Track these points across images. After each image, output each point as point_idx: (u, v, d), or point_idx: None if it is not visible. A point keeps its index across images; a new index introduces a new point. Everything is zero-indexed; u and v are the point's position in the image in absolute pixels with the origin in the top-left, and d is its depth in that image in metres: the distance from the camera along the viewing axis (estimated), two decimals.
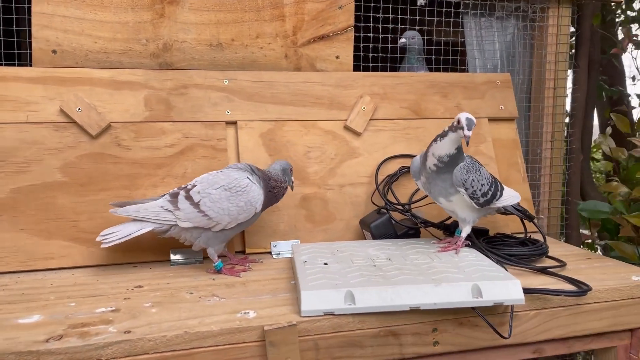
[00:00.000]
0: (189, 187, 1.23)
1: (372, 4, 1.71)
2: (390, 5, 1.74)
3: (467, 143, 1.16)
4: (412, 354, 1.05)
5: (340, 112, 1.60)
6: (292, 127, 1.55)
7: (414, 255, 1.23)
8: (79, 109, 1.39)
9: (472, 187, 1.23)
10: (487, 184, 1.25)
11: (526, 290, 1.07)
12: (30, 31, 1.43)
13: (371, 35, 1.73)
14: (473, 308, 1.04)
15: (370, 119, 1.60)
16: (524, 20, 1.94)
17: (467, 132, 1.14)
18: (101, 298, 1.10)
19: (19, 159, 1.33)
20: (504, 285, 1.03)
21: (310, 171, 1.52)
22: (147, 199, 1.28)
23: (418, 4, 1.72)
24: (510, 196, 1.33)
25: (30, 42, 1.46)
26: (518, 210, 1.39)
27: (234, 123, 1.51)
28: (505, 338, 1.05)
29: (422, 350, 1.05)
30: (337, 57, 1.65)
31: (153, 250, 1.35)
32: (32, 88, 1.39)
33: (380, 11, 1.74)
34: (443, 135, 1.20)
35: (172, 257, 1.34)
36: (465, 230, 1.29)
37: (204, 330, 0.95)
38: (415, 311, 1.03)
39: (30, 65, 1.45)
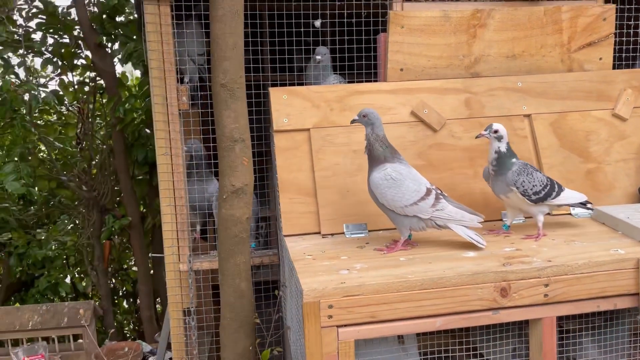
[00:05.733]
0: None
1: (625, 14, 2.09)
2: None
3: (478, 136, 1.65)
4: None
5: (607, 102, 2.01)
6: (572, 116, 1.98)
7: None
8: (425, 111, 1.89)
9: (523, 186, 1.60)
10: (540, 185, 1.61)
11: None
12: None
13: (624, 39, 2.12)
14: None
15: (633, 107, 1.99)
16: None
17: (483, 132, 1.63)
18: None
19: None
20: None
21: (591, 150, 1.95)
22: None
23: None
24: (570, 197, 1.66)
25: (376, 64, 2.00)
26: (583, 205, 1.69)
27: (529, 116, 1.97)
28: None
29: None
30: (600, 59, 2.05)
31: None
32: (389, 97, 1.91)
33: (632, 19, 2.11)
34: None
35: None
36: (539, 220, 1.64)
37: (600, 260, 1.42)
38: None
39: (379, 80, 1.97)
